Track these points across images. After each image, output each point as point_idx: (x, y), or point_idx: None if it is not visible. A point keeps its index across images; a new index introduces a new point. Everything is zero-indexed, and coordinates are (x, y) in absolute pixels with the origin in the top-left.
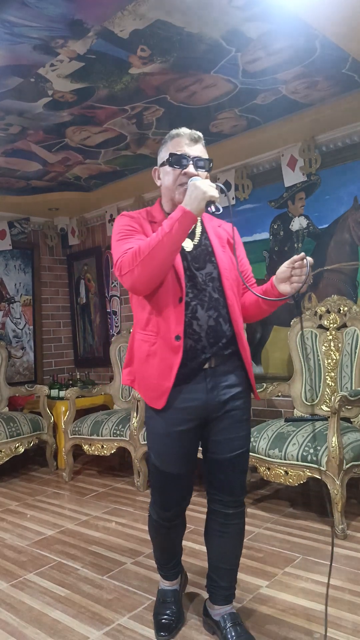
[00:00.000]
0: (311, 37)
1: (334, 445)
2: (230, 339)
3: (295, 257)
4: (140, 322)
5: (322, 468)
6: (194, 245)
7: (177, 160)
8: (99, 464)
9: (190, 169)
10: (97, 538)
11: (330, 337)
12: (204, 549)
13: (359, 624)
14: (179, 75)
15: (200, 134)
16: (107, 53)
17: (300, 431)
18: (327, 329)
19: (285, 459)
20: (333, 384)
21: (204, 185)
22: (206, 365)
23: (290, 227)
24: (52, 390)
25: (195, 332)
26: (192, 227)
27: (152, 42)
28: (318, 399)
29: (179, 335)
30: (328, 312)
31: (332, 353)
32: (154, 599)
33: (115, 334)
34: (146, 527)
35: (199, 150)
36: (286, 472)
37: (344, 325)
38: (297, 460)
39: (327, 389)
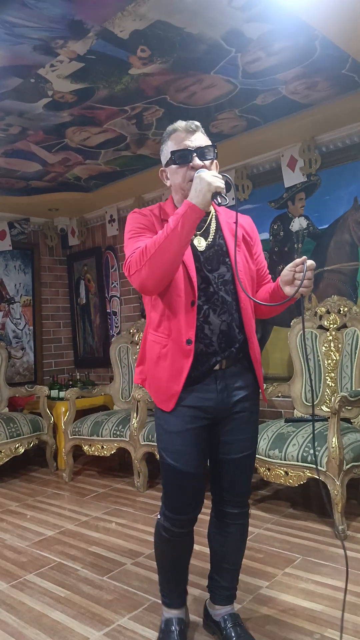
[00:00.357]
0: (311, 37)
1: (334, 445)
2: (242, 344)
3: (297, 260)
4: (152, 322)
5: (322, 468)
6: (207, 244)
7: (180, 157)
8: (99, 465)
9: (196, 161)
10: (97, 539)
11: (330, 337)
12: (204, 549)
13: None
14: (178, 75)
15: (198, 123)
16: (107, 53)
17: (300, 432)
18: (327, 330)
19: (285, 460)
20: (333, 385)
21: (208, 177)
22: (217, 367)
23: (290, 227)
24: (52, 391)
25: (206, 336)
26: (206, 224)
27: (152, 43)
28: (318, 399)
29: (190, 339)
30: (328, 312)
31: (332, 353)
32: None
33: (115, 334)
34: (146, 528)
35: (199, 139)
36: (286, 473)
37: (344, 326)
38: (297, 461)
39: (327, 390)
